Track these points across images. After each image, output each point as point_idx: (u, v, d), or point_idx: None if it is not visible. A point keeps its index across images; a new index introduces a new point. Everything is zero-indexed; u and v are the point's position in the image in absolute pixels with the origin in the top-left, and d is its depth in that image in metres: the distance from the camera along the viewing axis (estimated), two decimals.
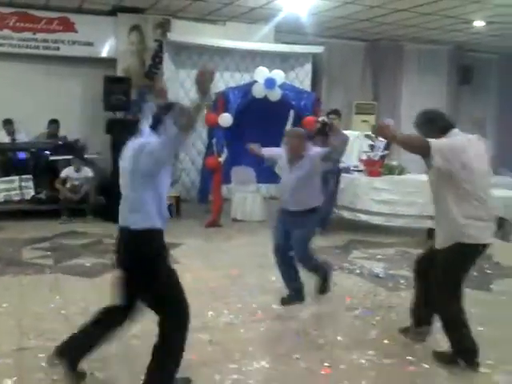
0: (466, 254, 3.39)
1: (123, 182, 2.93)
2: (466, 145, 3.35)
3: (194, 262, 5.76)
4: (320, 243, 6.76)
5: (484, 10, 8.26)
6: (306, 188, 4.40)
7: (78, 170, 8.05)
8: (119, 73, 9.23)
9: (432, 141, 3.22)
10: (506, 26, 9.44)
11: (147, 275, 2.78)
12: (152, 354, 2.81)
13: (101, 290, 4.75)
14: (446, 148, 3.23)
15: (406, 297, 4.85)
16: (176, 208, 8.25)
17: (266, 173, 8.30)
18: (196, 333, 3.86)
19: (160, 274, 2.80)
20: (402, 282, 5.28)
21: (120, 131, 8.24)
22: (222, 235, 7.33)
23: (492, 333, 3.99)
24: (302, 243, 4.44)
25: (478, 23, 9.23)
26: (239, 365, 3.40)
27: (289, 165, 4.52)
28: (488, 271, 5.82)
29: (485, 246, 3.41)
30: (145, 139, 2.83)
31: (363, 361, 3.51)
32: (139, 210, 2.81)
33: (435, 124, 3.45)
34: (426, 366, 3.46)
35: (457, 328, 3.41)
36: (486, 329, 4.04)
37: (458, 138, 3.41)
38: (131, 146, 2.92)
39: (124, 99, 8.68)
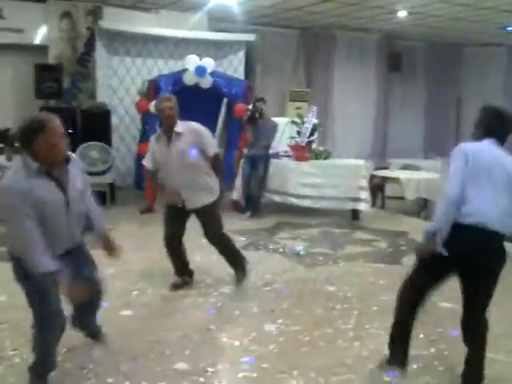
0: None
1: None
2: None
3: (124, 245, 5.91)
4: (250, 225, 7.11)
5: (403, 1, 8.70)
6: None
7: (9, 159, 8.01)
8: (51, 60, 9.17)
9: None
10: (427, 16, 9.94)
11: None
12: None
13: None
14: None
15: (321, 271, 5.24)
16: (110, 195, 8.34)
17: None
18: (119, 310, 4.10)
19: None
20: (320, 258, 5.64)
21: None
22: (156, 220, 7.49)
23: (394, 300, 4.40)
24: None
25: (401, 13, 9.69)
26: (157, 337, 3.65)
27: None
28: (402, 247, 6.26)
29: None
30: None
31: (273, 329, 3.83)
32: None
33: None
34: (330, 330, 3.82)
35: None
36: (390, 297, 4.45)
37: None
38: None
39: (56, 87, 8.65)
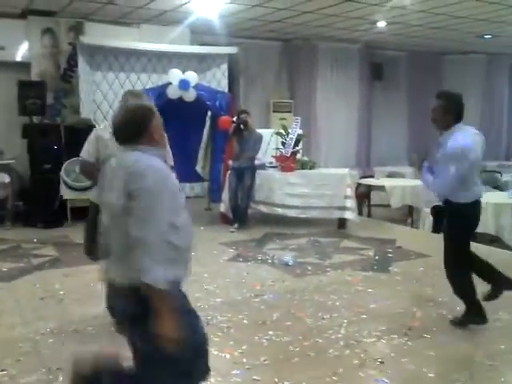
0: None
1: None
2: None
3: None
4: (238, 237, 7.12)
5: (382, 12, 8.83)
6: None
7: None
8: (34, 77, 9.12)
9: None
10: (406, 26, 10.09)
11: None
12: None
13: (15, 294, 4.87)
14: None
15: (310, 281, 5.26)
16: (96, 210, 8.29)
17: (189, 171, 8.52)
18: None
19: None
20: (308, 268, 5.66)
21: (36, 136, 8.25)
22: None
23: (383, 308, 4.45)
24: None
25: (381, 23, 9.82)
26: None
27: None
28: (390, 255, 6.30)
29: None
30: None
31: (264, 340, 3.83)
32: None
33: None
34: (320, 340, 3.83)
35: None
36: (378, 305, 4.51)
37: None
38: None
39: (39, 103, 8.62)
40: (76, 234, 7.36)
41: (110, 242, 2.25)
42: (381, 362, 3.47)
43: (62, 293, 4.89)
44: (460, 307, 4.09)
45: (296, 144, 7.78)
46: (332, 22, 9.90)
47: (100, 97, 9.45)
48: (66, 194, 8.05)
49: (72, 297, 4.75)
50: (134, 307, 2.12)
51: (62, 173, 8.02)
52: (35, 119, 8.63)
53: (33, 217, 7.95)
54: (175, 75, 8.02)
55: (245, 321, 4.20)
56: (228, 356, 3.59)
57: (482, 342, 3.83)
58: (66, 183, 8.04)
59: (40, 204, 7.94)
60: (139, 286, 2.04)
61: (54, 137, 8.27)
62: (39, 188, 8.01)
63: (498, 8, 8.70)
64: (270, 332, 3.94)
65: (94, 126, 8.63)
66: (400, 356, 3.57)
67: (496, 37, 11.20)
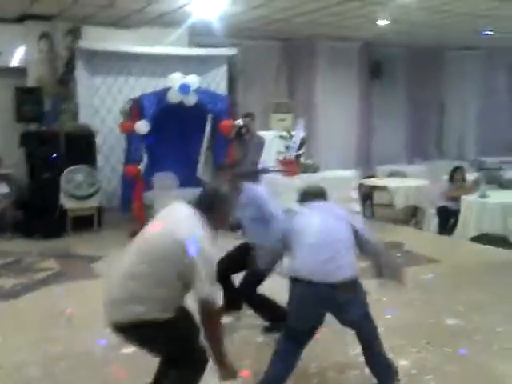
0: None
1: None
2: None
3: None
4: None
5: (386, 10, 8.71)
6: None
7: None
8: (30, 82, 8.96)
9: None
10: (407, 24, 9.98)
11: None
12: None
13: (20, 314, 4.74)
14: None
15: None
16: (98, 219, 8.16)
17: (191, 176, 8.41)
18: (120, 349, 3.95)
19: None
20: None
21: (34, 144, 8.10)
22: None
23: (399, 319, 4.35)
24: None
25: (383, 22, 9.70)
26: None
27: None
28: (399, 260, 6.18)
29: None
30: None
31: None
32: None
33: None
34: (339, 358, 3.72)
35: None
36: (394, 316, 4.41)
37: None
38: None
39: (36, 110, 8.50)
40: (77, 245, 7.26)
41: None
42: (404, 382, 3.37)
43: (68, 310, 4.76)
44: (472, 316, 4.01)
45: (300, 147, 7.67)
46: (334, 21, 9.77)
47: (98, 102, 9.29)
48: (65, 203, 7.89)
49: (79, 315, 4.61)
50: None
51: (62, 181, 7.88)
52: (32, 126, 8.51)
53: (32, 227, 7.79)
54: (176, 79, 7.87)
55: (258, 338, 4.09)
56: (241, 377, 3.48)
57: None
58: (65, 192, 7.90)
59: (39, 214, 7.79)
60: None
61: (52, 144, 8.12)
62: (38, 198, 7.87)
63: (497, 4, 8.61)
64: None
65: (94, 133, 8.63)
66: (422, 373, 3.47)
67: (496, 33, 11.11)
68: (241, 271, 4.29)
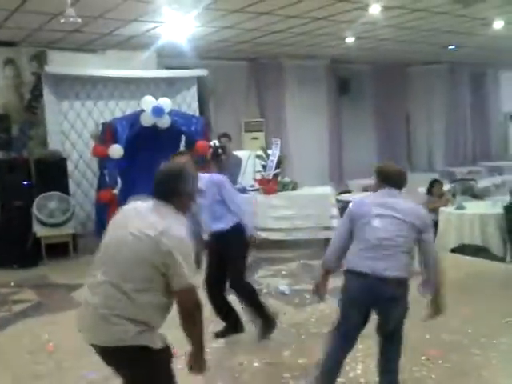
0: None
1: None
2: None
3: None
4: None
5: (351, 28, 8.83)
6: None
7: None
8: None
9: None
10: (374, 40, 10.14)
11: None
12: None
13: (2, 350, 4.50)
14: None
15: (311, 311, 5.07)
16: (73, 245, 7.93)
17: None
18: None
19: None
20: (307, 296, 5.46)
21: (4, 171, 7.84)
22: None
23: None
24: None
25: (349, 39, 9.83)
26: None
27: None
28: None
29: None
30: None
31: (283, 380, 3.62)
32: None
33: None
34: (341, 379, 3.63)
35: None
36: None
37: None
38: None
39: (4, 137, 8.28)
40: (54, 273, 7.03)
41: None
42: None
43: (51, 344, 4.55)
44: (471, 329, 3.98)
45: (277, 166, 7.64)
46: (300, 40, 9.85)
47: (67, 127, 9.08)
48: (39, 231, 7.65)
49: (63, 349, 4.40)
50: None
51: (34, 209, 7.63)
52: (1, 154, 8.25)
53: (6, 257, 7.48)
54: (148, 102, 7.78)
55: (255, 363, 3.97)
56: None
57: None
58: (38, 219, 7.65)
59: (13, 243, 7.50)
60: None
61: (22, 172, 7.89)
62: (11, 226, 7.59)
63: (463, 21, 8.84)
64: (286, 374, 3.72)
65: (65, 159, 8.42)
66: None
67: (459, 47, 11.40)
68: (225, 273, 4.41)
